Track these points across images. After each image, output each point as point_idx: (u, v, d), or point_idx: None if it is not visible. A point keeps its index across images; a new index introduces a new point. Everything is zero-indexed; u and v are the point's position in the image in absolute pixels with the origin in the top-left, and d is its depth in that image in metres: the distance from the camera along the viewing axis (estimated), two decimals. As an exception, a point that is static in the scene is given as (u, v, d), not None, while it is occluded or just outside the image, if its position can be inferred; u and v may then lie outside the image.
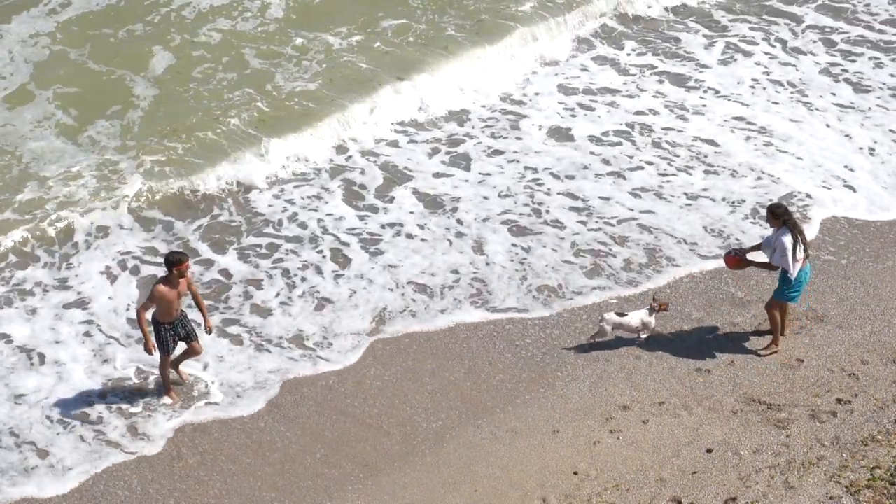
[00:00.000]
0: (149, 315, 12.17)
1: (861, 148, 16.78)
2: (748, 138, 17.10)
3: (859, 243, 14.78)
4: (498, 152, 16.93)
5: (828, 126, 17.35)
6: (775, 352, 12.89)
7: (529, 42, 19.48)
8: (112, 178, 16.04)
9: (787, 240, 12.33)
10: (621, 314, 13.10)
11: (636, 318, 13.06)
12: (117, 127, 17.04)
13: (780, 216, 12.49)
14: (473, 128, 17.49)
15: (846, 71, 18.80)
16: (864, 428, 11.77)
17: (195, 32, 19.03)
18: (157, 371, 12.75)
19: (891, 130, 17.21)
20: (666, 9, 20.35)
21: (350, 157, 16.84)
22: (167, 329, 12.21)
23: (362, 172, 16.52)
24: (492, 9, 20.00)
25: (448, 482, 11.54)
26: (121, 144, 16.69)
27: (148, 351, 12.15)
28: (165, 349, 12.30)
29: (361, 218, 15.62)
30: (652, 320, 13.09)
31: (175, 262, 11.90)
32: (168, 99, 17.67)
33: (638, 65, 18.99)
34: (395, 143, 17.15)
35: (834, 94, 18.15)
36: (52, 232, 15.10)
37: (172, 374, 12.66)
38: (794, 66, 18.97)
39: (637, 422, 12.08)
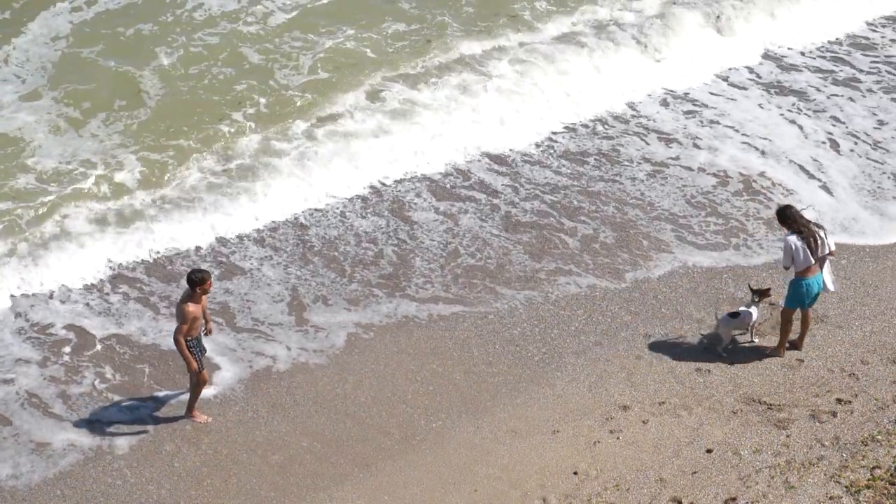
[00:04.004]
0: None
1: (824, 142, 16.64)
2: (666, 103, 16.93)
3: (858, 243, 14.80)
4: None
5: (760, 107, 17.27)
6: (778, 355, 12.85)
7: None
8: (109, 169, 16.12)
9: (792, 240, 12.25)
10: (735, 313, 12.86)
11: (753, 313, 12.74)
12: (120, 123, 17.03)
13: (786, 220, 12.30)
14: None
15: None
16: (864, 428, 11.77)
17: (198, 34, 19.02)
18: (96, 334, 13.00)
19: (834, 118, 17.11)
20: None
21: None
22: (193, 344, 12.11)
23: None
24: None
25: (448, 482, 11.52)
26: (121, 140, 16.68)
27: (194, 371, 12.10)
28: (198, 366, 12.20)
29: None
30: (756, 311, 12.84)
31: (198, 282, 11.94)
32: (169, 96, 17.69)
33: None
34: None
35: (750, 70, 18.11)
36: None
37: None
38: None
39: (637, 422, 12.07)
